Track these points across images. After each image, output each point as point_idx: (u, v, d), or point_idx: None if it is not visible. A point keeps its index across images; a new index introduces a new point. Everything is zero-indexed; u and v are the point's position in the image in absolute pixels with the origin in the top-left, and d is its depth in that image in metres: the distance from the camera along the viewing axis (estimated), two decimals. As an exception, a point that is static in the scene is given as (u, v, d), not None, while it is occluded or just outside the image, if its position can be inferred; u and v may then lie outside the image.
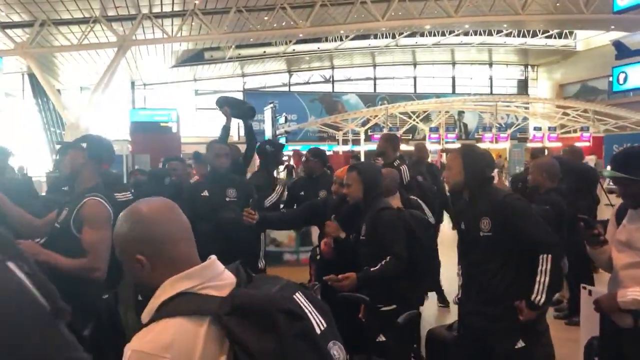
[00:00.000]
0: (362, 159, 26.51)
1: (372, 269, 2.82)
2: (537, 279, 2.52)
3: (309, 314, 1.18)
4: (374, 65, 38.13)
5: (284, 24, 20.93)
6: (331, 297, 2.87)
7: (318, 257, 3.54)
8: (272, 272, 4.27)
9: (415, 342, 3.16)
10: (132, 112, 25.42)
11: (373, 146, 29.33)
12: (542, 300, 2.51)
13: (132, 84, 32.31)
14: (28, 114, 26.70)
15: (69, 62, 23.77)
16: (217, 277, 1.21)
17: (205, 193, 3.84)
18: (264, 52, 30.97)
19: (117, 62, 19.27)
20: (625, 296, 2.27)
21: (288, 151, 28.45)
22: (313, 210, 3.64)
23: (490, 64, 39.65)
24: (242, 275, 1.23)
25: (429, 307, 3.71)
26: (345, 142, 32.00)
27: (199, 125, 33.06)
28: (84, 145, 2.80)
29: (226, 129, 4.63)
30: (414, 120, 32.10)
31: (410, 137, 33.97)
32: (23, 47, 18.33)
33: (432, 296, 5.20)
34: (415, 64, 38.53)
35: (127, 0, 17.74)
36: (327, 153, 22.15)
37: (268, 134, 22.08)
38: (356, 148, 29.39)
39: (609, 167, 3.36)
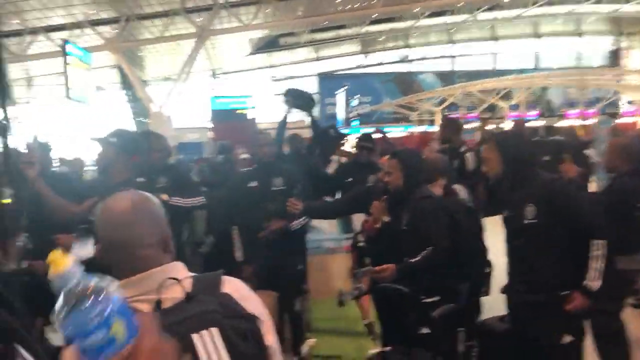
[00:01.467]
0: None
1: (412, 260, 2.74)
2: (592, 264, 2.43)
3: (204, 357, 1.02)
4: (451, 43, 36.99)
5: (357, 5, 20.81)
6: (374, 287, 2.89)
7: (360, 244, 3.51)
8: (313, 259, 4.29)
9: (466, 335, 3.01)
10: (212, 100, 26.42)
11: (450, 126, 28.60)
12: (597, 285, 2.43)
13: (213, 72, 33.43)
14: (118, 105, 28.48)
15: (152, 55, 25.05)
16: (164, 288, 1.10)
17: (254, 184, 3.86)
18: (338, 34, 30.93)
19: (196, 52, 20.04)
20: None
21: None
22: (357, 199, 3.60)
23: (580, 34, 37.24)
24: (192, 291, 1.11)
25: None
26: (420, 122, 31.42)
27: (276, 110, 33.72)
28: (114, 139, 2.93)
29: (285, 119, 4.78)
30: (493, 97, 30.87)
31: (489, 116, 32.79)
32: (112, 42, 19.50)
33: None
34: (496, 39, 36.98)
35: (204, -9, 18.36)
36: (402, 134, 21.77)
37: (340, 117, 22.23)
38: (432, 128, 28.81)
39: None
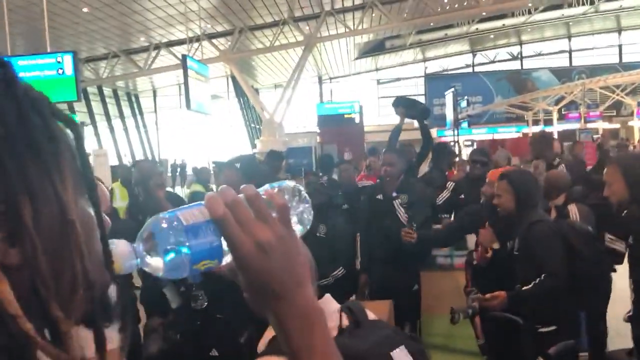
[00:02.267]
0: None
1: (524, 288, 2.57)
2: None
3: None
4: (569, 37, 34.69)
5: (465, 4, 20.23)
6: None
7: (474, 262, 3.39)
8: (425, 276, 4.19)
9: None
10: (318, 106, 26.97)
11: (567, 126, 26.82)
12: None
13: (320, 78, 34.17)
14: (232, 112, 30.07)
15: (264, 64, 26.14)
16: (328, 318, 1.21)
17: (380, 196, 3.83)
18: (445, 34, 30.23)
19: (304, 59, 20.61)
20: None
21: (472, 135, 27.53)
22: (469, 221, 3.47)
23: None
24: (354, 318, 1.20)
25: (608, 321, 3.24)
26: (535, 122, 29.75)
27: (381, 114, 33.70)
28: (238, 165, 3.14)
29: (398, 129, 4.76)
30: (618, 94, 28.40)
31: (613, 114, 30.30)
32: (226, 53, 20.64)
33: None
34: (620, 30, 34.12)
35: None
36: (516, 135, 20.76)
37: (449, 119, 21.65)
38: (548, 129, 27.19)
39: None
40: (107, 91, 26.50)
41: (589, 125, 24.60)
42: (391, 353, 1.14)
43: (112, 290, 0.50)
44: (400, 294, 3.57)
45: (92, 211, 0.48)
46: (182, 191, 21.63)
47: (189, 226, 0.55)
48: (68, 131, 0.48)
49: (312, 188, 4.05)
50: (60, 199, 0.43)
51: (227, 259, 0.57)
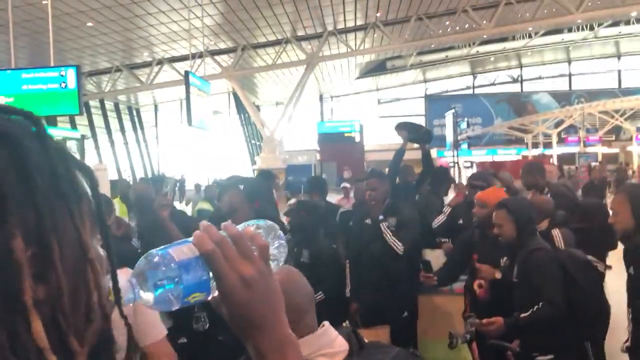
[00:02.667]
0: (555, 162, 24.53)
1: (522, 315, 2.56)
2: None
3: None
4: (569, 61, 35.02)
5: (466, 26, 20.43)
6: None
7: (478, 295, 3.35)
8: (424, 300, 4.14)
9: None
10: (319, 125, 27.09)
11: (566, 149, 26.94)
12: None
13: (321, 97, 34.37)
14: (233, 128, 30.16)
15: (265, 81, 26.29)
16: (329, 344, 1.23)
17: (369, 221, 3.78)
18: (446, 56, 30.50)
19: (306, 77, 20.73)
20: None
21: (472, 157, 27.58)
22: (466, 249, 3.40)
23: None
24: (354, 343, 1.23)
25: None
26: (535, 145, 29.89)
27: (381, 133, 33.84)
28: (241, 187, 3.17)
29: (401, 153, 4.77)
30: (617, 119, 28.55)
31: (612, 138, 30.43)
32: (228, 70, 20.78)
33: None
34: (619, 56, 34.46)
35: (314, 19, 19.01)
36: (515, 158, 20.84)
37: (449, 140, 21.73)
38: (548, 151, 27.30)
39: None
40: (108, 105, 26.60)
41: (588, 150, 24.70)
42: None
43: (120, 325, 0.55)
44: (391, 321, 3.52)
45: (103, 251, 0.54)
46: (179, 207, 21.58)
47: (180, 262, 0.59)
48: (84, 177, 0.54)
49: (295, 212, 3.97)
50: (81, 241, 0.49)
51: (215, 292, 0.62)
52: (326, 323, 1.28)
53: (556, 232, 3.75)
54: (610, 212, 2.52)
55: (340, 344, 1.24)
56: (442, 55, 30.14)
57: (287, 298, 1.22)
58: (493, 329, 2.60)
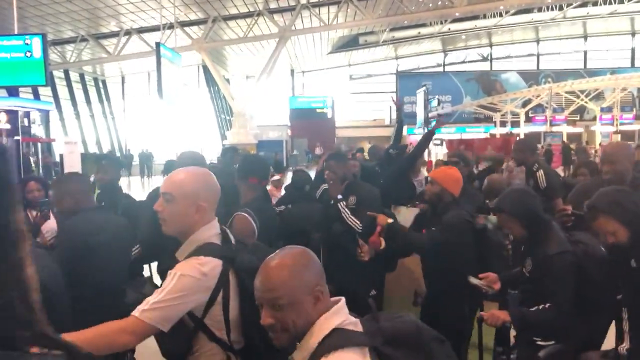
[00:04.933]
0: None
1: (530, 310, 2.55)
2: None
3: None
4: (537, 41, 35.50)
5: (439, 3, 20.45)
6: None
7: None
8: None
9: None
10: (291, 100, 26.88)
11: (534, 128, 27.48)
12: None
13: (292, 72, 34.04)
14: (202, 102, 29.67)
15: (236, 54, 25.85)
16: (348, 315, 1.30)
17: (332, 201, 3.73)
18: (418, 33, 30.51)
19: (278, 51, 20.48)
20: None
21: (441, 134, 27.92)
22: (419, 223, 3.48)
23: (680, 31, 34.61)
24: (371, 310, 1.34)
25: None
26: (503, 124, 30.40)
27: (353, 109, 33.84)
28: (235, 166, 3.06)
29: (430, 135, 4.78)
30: (582, 99, 29.26)
31: (577, 118, 31.18)
32: (198, 42, 20.34)
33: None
34: (585, 37, 35.08)
35: (287, -8, 18.73)
36: (484, 136, 21.16)
37: (420, 118, 21.95)
38: (515, 130, 27.81)
39: None
40: (73, 76, 25.79)
41: (554, 129, 25.27)
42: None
43: None
44: (359, 300, 3.55)
45: None
46: (148, 182, 21.24)
47: None
48: None
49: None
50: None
51: None
52: (341, 297, 1.32)
53: (540, 173, 4.06)
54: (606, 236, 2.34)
55: (350, 314, 1.30)
56: (414, 32, 30.14)
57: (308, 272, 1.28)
58: (498, 321, 2.57)
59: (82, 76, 26.77)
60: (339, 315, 1.26)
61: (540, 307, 2.46)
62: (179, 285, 1.52)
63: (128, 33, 21.00)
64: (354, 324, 1.26)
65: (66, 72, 24.86)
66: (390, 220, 3.13)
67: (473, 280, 2.86)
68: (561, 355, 2.52)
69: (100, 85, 28.77)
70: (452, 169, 3.45)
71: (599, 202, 2.28)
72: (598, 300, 2.52)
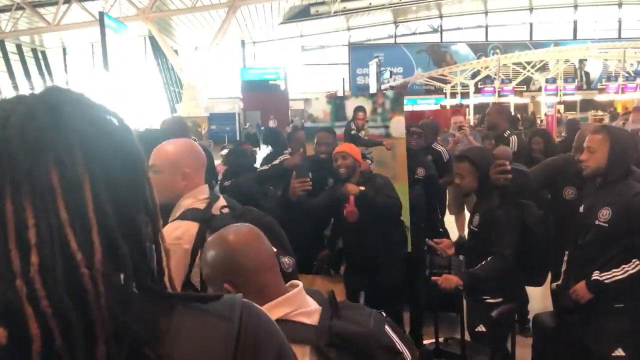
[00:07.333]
0: (471, 112, 25.54)
1: (476, 270, 2.64)
2: (617, 270, 2.38)
3: (400, 347, 1.22)
4: (486, 12, 35.99)
5: (390, -26, 20.37)
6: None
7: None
8: None
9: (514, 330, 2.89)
10: (242, 71, 26.31)
11: (483, 99, 28.06)
12: (605, 283, 2.37)
13: (242, 42, 33.30)
14: (150, 75, 28.68)
15: (185, 24, 25.03)
16: (305, 304, 1.23)
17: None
18: (370, 3, 30.36)
19: (227, 22, 19.99)
20: None
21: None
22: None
23: (620, 4, 35.79)
24: (331, 303, 1.23)
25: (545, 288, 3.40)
26: (453, 95, 30.91)
27: (306, 80, 33.54)
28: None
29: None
30: (529, 71, 30.03)
31: (524, 89, 32.04)
32: (144, 12, 19.55)
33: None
34: (531, 9, 35.84)
35: (236, -40, 18.18)
36: (434, 107, 21.34)
37: (373, 89, 21.96)
38: (465, 101, 28.34)
39: None
40: (10, 46, 24.39)
41: (502, 99, 25.89)
42: (385, 329, 1.24)
43: None
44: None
45: None
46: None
47: None
48: None
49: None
50: None
51: None
52: (299, 283, 1.26)
53: (513, 138, 4.29)
54: (586, 149, 2.51)
55: (312, 302, 1.24)
56: (365, 2, 29.97)
57: (239, 257, 1.20)
58: (450, 285, 2.63)
59: (19, 47, 25.35)
60: (285, 306, 1.18)
61: (484, 262, 2.58)
62: None
63: (68, 1, 19.94)
64: (309, 314, 1.19)
65: (1, 43, 23.49)
66: (362, 188, 3.12)
67: (430, 242, 2.97)
68: (510, 313, 2.66)
69: (40, 57, 27.35)
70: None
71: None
72: (540, 255, 2.69)
